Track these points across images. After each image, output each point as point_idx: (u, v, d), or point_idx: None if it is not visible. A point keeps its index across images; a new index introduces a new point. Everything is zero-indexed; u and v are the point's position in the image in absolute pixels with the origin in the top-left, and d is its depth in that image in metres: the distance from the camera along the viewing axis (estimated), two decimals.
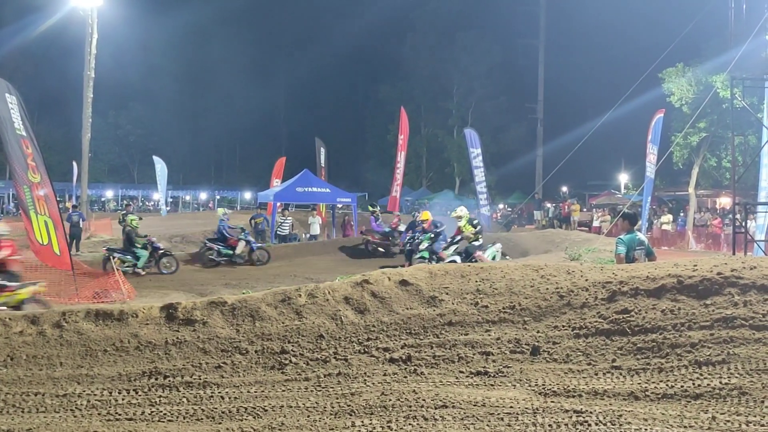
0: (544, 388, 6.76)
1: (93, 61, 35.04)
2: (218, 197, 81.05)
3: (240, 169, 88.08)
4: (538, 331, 7.83)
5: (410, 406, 6.47)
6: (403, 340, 8.02)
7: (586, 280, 8.54)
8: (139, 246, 22.30)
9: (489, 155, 42.42)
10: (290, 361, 7.72)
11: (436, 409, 6.39)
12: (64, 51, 57.23)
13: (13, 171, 16.83)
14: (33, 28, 54.22)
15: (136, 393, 7.16)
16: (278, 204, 32.07)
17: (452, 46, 69.37)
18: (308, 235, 32.69)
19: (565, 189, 53.64)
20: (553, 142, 54.05)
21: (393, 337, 8.08)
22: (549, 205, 48.75)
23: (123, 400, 7.01)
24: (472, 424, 6.11)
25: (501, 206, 53.68)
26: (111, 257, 20.84)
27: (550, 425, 5.99)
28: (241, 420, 6.47)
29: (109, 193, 75.03)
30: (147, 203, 72.94)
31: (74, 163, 42.47)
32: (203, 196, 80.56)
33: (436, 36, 70.94)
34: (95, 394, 7.11)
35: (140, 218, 24.91)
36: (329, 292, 8.91)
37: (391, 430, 6.06)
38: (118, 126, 76.20)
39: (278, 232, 30.80)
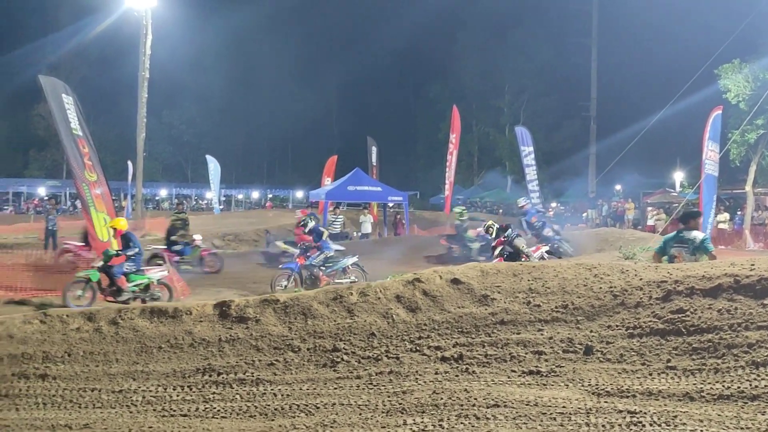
0: (597, 388, 6.68)
1: (147, 62, 35.48)
2: (270, 196, 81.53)
3: (292, 168, 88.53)
4: (591, 331, 7.74)
5: (462, 405, 6.44)
6: (455, 338, 7.99)
7: (641, 279, 8.43)
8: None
9: (541, 153, 42.01)
10: (342, 359, 7.74)
11: (488, 408, 6.36)
12: (119, 52, 58.11)
13: (72, 170, 17.08)
14: (89, 30, 55.15)
15: (190, 389, 7.24)
16: (329, 202, 32.15)
17: (503, 44, 68.97)
18: (359, 234, 32.71)
19: (618, 187, 53.02)
20: (606, 139, 53.54)
21: (444, 336, 8.06)
22: (603, 203, 48.18)
23: (177, 396, 7.09)
24: (524, 423, 6.07)
25: (553, 204, 53.21)
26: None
27: (603, 426, 5.92)
28: (294, 417, 6.51)
29: (163, 192, 75.89)
30: (200, 202, 73.60)
31: (129, 163, 43.01)
32: (255, 194, 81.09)
33: (487, 34, 70.58)
34: (150, 391, 7.20)
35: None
36: (381, 291, 8.91)
37: (443, 428, 6.04)
38: (172, 126, 77.09)
39: (330, 231, 30.86)
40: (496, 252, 18.54)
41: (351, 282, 16.20)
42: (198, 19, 64.16)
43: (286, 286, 16.52)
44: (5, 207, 63.98)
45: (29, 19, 74.00)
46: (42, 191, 67.57)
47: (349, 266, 17.64)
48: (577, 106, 61.16)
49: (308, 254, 17.45)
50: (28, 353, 7.97)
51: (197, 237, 23.26)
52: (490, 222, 20.21)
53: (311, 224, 18.27)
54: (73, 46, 64.70)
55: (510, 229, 18.93)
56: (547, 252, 19.19)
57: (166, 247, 22.51)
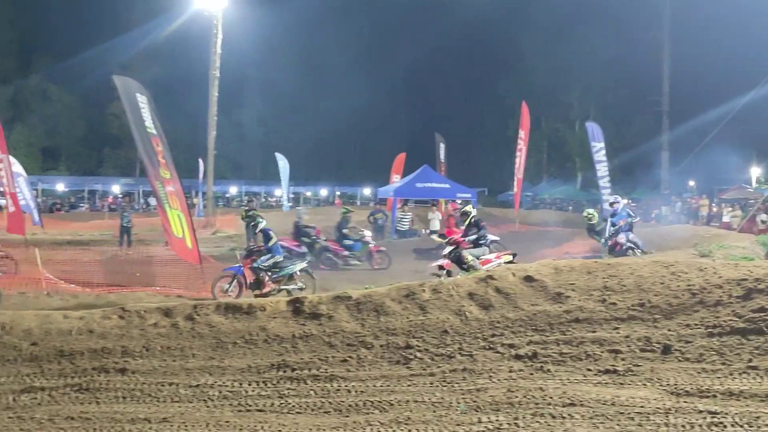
0: (676, 388, 6.56)
1: (218, 61, 35.88)
2: (338, 193, 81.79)
3: (360, 165, 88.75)
4: (669, 330, 7.62)
5: (537, 404, 6.38)
6: (529, 336, 7.94)
7: (720, 277, 8.27)
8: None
9: (611, 149, 41.39)
10: (415, 356, 7.73)
11: (563, 407, 6.29)
12: (190, 51, 58.80)
13: (146, 168, 17.34)
14: (160, 30, 55.99)
15: (266, 385, 7.29)
16: (398, 199, 32.14)
17: (572, 39, 68.10)
18: (428, 231, 32.63)
19: (692, 183, 52.00)
20: (679, 135, 52.55)
21: (518, 334, 8.01)
22: (676, 199, 47.34)
23: (253, 391, 7.14)
24: (601, 423, 5.98)
25: (625, 201, 52.56)
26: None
27: (683, 426, 5.80)
28: (368, 414, 6.50)
29: (233, 190, 76.65)
30: (269, 199, 74.20)
31: (200, 161, 43.55)
32: (324, 192, 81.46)
33: (556, 29, 69.80)
34: (226, 385, 7.27)
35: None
36: (453, 288, 8.90)
37: (518, 427, 5.98)
38: (241, 124, 77.86)
39: (398, 228, 30.83)
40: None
41: (299, 289, 15.55)
42: (267, 18, 64.54)
43: (228, 290, 15.71)
44: (81, 204, 65.33)
45: (102, 19, 75.51)
46: (116, 189, 68.82)
47: (297, 272, 16.34)
48: (648, 100, 60.12)
49: (254, 257, 16.37)
50: (108, 348, 8.12)
51: (367, 233, 23.26)
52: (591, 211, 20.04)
53: (262, 224, 17.08)
54: (145, 45, 65.78)
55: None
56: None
57: (335, 240, 22.66)
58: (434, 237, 23.68)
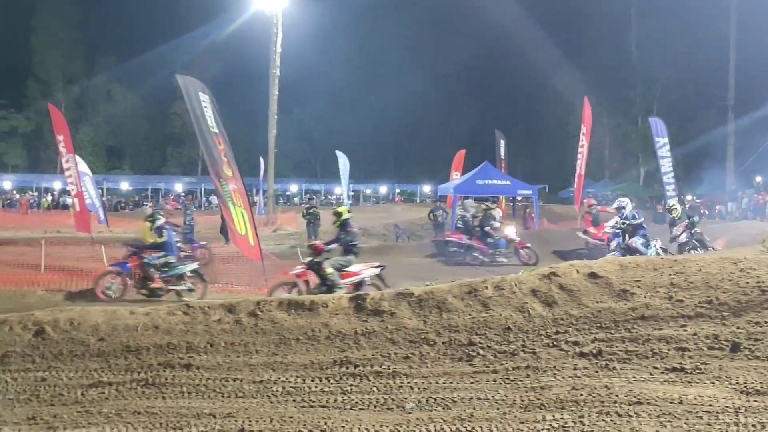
0: (746, 387, 6.43)
1: (278, 60, 36.16)
2: (398, 190, 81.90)
3: (419, 162, 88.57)
4: (738, 327, 7.46)
5: (603, 402, 6.31)
6: (593, 333, 7.85)
7: None
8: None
9: (675, 145, 40.72)
10: (478, 353, 7.69)
11: (630, 405, 6.20)
12: (250, 51, 59.29)
13: (209, 166, 17.54)
14: (221, 30, 56.65)
15: (328, 381, 7.30)
16: (458, 196, 32.05)
17: (636, 34, 67.26)
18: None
19: (759, 179, 50.91)
20: (745, 130, 51.55)
21: (582, 331, 7.92)
22: (743, 195, 46.40)
23: (316, 387, 7.16)
24: (668, 422, 5.88)
25: (689, 197, 51.56)
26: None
27: (753, 425, 5.68)
28: (431, 411, 6.47)
29: (293, 188, 77.25)
30: (329, 197, 74.62)
31: (261, 159, 43.94)
32: (383, 189, 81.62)
33: (619, 23, 68.95)
34: (289, 381, 7.30)
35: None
36: (516, 285, 8.83)
37: (584, 425, 5.91)
38: (302, 122, 78.38)
39: (458, 225, 30.77)
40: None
41: (188, 290, 15.23)
42: (326, 16, 64.81)
43: (110, 288, 15.19)
44: (145, 203, 66.45)
45: (165, 19, 76.58)
46: (179, 187, 69.84)
47: (187, 273, 15.76)
48: (713, 95, 59.09)
49: (143, 254, 15.55)
50: (173, 343, 8.21)
51: (510, 230, 23.29)
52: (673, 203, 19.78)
53: (159, 221, 16.34)
54: (206, 45, 66.61)
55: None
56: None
57: (479, 239, 22.72)
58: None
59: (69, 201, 31.57)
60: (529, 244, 22.78)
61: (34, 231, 30.94)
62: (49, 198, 60.40)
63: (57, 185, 61.31)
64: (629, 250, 16.99)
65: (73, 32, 72.64)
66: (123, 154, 79.53)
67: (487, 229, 22.71)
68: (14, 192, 62.72)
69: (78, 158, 27.32)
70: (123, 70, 70.33)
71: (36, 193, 62.44)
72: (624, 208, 18.19)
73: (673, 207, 19.73)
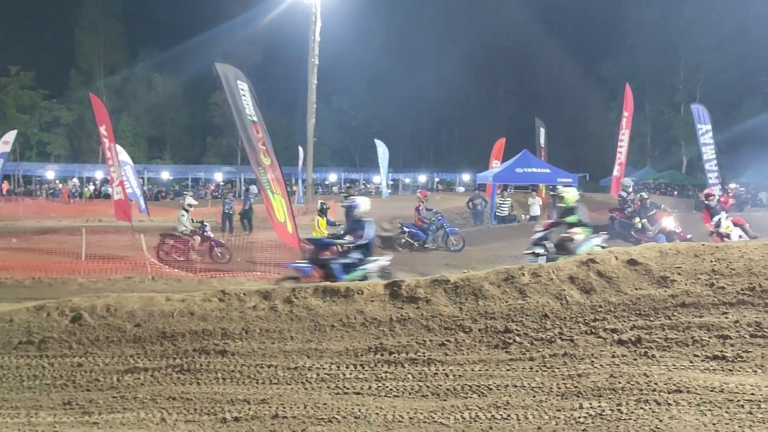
0: None
1: (317, 48, 36.15)
2: (437, 179, 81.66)
3: (458, 151, 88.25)
4: None
5: (641, 390, 6.23)
6: (632, 321, 7.73)
7: None
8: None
9: (719, 132, 40.11)
10: (514, 340, 7.62)
11: (669, 393, 6.12)
12: (289, 39, 59.35)
13: (248, 154, 17.60)
14: (259, 18, 56.73)
15: (363, 368, 7.28)
16: (497, 185, 31.86)
17: (679, 19, 66.28)
18: (528, 217, 32.26)
19: None
20: None
21: (621, 318, 7.81)
22: None
23: (350, 374, 7.14)
24: (709, 410, 5.79)
25: (733, 185, 50.82)
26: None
27: None
28: (466, 398, 6.43)
29: (332, 177, 77.34)
30: (368, 186, 74.61)
31: (300, 148, 44.04)
32: (422, 178, 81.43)
33: (662, 8, 68.06)
34: (324, 368, 7.29)
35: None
36: (553, 272, 8.73)
37: (622, 413, 5.84)
38: (341, 111, 78.34)
39: (497, 213, 30.60)
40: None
41: None
42: (365, 3, 64.75)
43: None
44: (185, 192, 66.94)
45: (204, 9, 77.16)
46: (218, 177, 70.22)
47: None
48: (758, 81, 58.22)
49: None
50: (208, 330, 8.23)
51: (669, 221, 22.79)
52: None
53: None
54: (244, 35, 66.82)
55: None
56: None
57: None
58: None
59: (110, 190, 31.85)
60: (690, 236, 19.74)
61: (76, 220, 31.30)
62: (91, 187, 61.06)
63: (99, 175, 61.98)
64: None
65: (115, 24, 73.41)
66: (163, 143, 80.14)
67: (644, 221, 20.65)
68: (57, 182, 63.49)
69: (119, 148, 27.58)
70: (163, 61, 71.05)
71: (78, 183, 63.14)
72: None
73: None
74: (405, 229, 23.64)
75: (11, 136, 34.26)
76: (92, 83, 66.83)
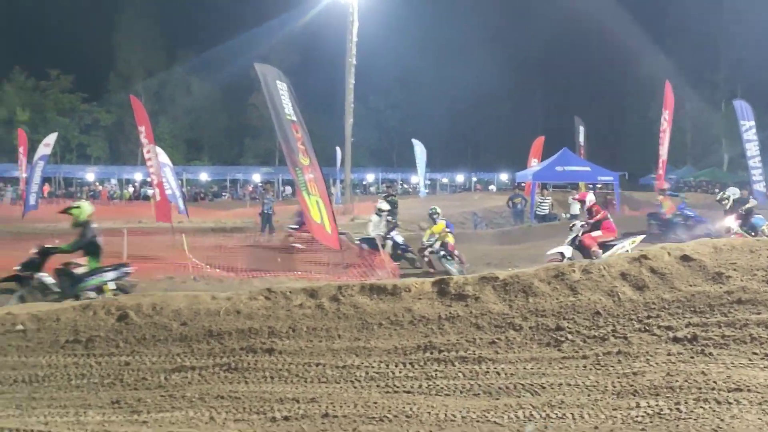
0: None
1: (354, 48, 36.15)
2: (475, 179, 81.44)
3: (496, 150, 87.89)
4: None
5: (700, 388, 6.07)
6: (687, 318, 7.58)
7: None
8: None
9: (762, 128, 39.49)
10: (566, 338, 7.49)
11: (729, 392, 5.95)
12: (326, 40, 59.43)
13: (286, 154, 17.56)
14: (296, 20, 56.89)
15: (412, 366, 7.17)
16: (537, 184, 31.64)
17: (720, 15, 65.54)
18: (568, 215, 31.96)
19: None
20: None
21: (675, 315, 7.67)
22: None
23: (400, 373, 7.03)
24: None
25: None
26: None
27: None
28: (519, 397, 6.30)
29: (370, 177, 77.40)
30: (405, 186, 74.51)
31: (337, 148, 44.15)
32: (460, 178, 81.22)
33: (702, 4, 67.32)
34: (373, 367, 7.19)
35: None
36: (605, 268, 8.61)
37: (681, 412, 5.68)
38: (378, 111, 78.40)
39: (537, 212, 30.38)
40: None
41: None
42: (401, 3, 64.66)
43: None
44: (223, 193, 67.31)
45: (240, 11, 77.45)
46: (256, 178, 70.54)
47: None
48: None
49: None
50: (255, 328, 8.18)
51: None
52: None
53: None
54: (282, 36, 67.03)
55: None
56: None
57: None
58: None
59: (150, 192, 32.04)
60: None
61: (116, 221, 31.52)
62: (131, 189, 61.64)
63: (137, 176, 62.57)
64: None
65: (153, 27, 73.97)
66: (201, 145, 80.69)
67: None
68: (97, 183, 64.17)
69: (158, 149, 27.70)
70: (201, 63, 71.40)
71: (116, 184, 63.78)
72: None
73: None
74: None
75: (52, 138, 34.53)
76: (131, 86, 67.31)
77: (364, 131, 66.75)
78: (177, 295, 9.34)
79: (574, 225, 15.57)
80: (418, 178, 51.97)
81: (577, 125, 40.01)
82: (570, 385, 6.46)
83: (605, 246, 14.84)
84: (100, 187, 62.04)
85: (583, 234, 15.14)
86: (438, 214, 18.60)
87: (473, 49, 79.94)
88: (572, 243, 15.22)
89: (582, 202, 16.11)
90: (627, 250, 14.22)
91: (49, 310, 9.00)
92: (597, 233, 15.09)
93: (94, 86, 70.83)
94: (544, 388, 6.44)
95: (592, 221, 15.34)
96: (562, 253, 14.88)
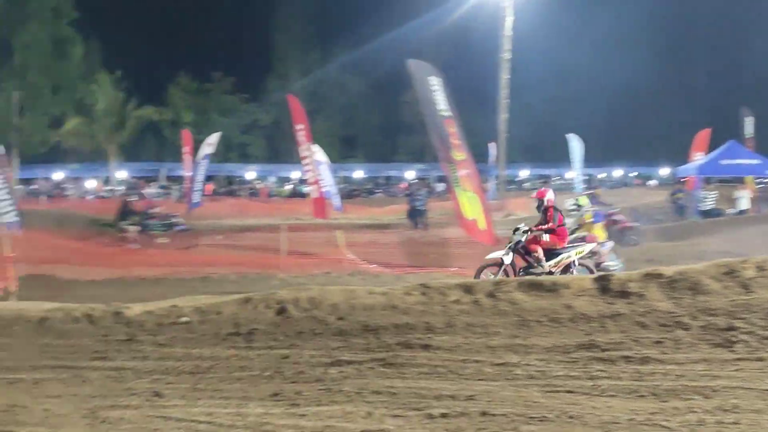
0: None
1: (508, 43, 35.77)
2: (633, 174, 79.27)
3: (655, 143, 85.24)
4: None
5: None
6: None
7: None
8: None
9: None
10: (740, 338, 7.07)
11: None
12: (479, 34, 59.05)
13: (438, 150, 17.49)
14: (448, 15, 56.74)
15: (574, 365, 6.93)
16: (700, 178, 30.39)
17: None
18: (735, 211, 30.58)
19: None
20: None
21: None
22: None
23: (560, 372, 6.80)
24: None
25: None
26: None
27: None
28: (689, 399, 5.97)
29: (523, 173, 76.59)
30: (560, 181, 73.29)
31: (490, 144, 43.86)
32: (617, 173, 79.30)
33: None
34: (532, 365, 6.99)
35: None
36: None
37: None
38: (530, 106, 77.38)
39: (700, 207, 29.24)
40: None
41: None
42: None
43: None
44: (377, 190, 68.07)
45: (393, 8, 77.99)
46: (409, 175, 70.99)
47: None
48: None
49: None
50: (411, 323, 8.14)
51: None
52: None
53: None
54: (434, 31, 67.10)
55: None
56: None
57: None
58: None
59: (306, 189, 32.70)
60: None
61: (275, 218, 32.36)
62: (289, 186, 63.17)
63: (294, 174, 64.06)
64: None
65: (308, 26, 75.56)
66: (356, 143, 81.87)
67: None
68: (257, 181, 66.12)
69: (315, 147, 28.22)
70: (354, 61, 72.33)
71: (275, 182, 65.50)
72: None
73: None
74: None
75: (215, 138, 35.73)
76: (288, 86, 68.99)
77: (517, 126, 66.08)
78: (334, 289, 9.42)
79: (517, 229, 14.23)
80: (574, 173, 50.99)
81: (743, 116, 38.26)
82: (744, 388, 6.08)
83: (551, 253, 13.63)
84: (260, 185, 63.84)
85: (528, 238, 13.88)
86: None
87: (631, 38, 77.73)
88: (514, 248, 13.99)
89: (540, 201, 14.47)
90: (573, 261, 13.60)
91: (212, 304, 9.24)
92: (545, 238, 13.80)
93: (253, 88, 73.46)
94: (715, 390, 6.09)
95: (545, 227, 13.98)
96: (502, 259, 13.74)
